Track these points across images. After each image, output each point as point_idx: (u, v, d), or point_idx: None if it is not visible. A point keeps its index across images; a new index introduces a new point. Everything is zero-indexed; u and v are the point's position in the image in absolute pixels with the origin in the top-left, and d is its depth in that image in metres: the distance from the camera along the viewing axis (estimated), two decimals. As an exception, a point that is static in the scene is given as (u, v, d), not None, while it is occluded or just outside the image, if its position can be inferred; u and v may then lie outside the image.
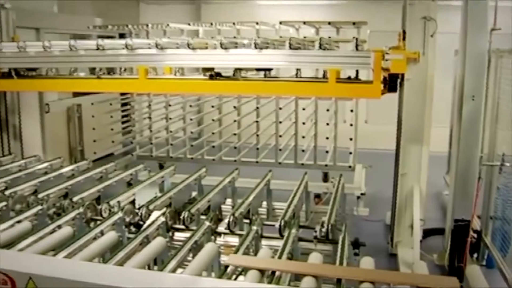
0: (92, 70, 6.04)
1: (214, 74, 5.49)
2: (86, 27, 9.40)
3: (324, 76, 5.24)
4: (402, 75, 5.77)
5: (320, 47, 5.00)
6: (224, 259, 3.98)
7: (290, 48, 5.03)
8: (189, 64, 5.81)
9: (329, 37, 6.10)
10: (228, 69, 5.49)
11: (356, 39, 5.02)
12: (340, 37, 6.81)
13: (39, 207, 4.68)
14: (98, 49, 5.64)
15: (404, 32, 6.03)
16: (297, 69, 5.47)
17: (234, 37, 6.33)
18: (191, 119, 9.14)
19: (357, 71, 5.19)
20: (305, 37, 6.36)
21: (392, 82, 5.38)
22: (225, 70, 5.52)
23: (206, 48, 5.42)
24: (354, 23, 6.78)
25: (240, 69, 5.43)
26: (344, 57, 5.00)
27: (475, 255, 6.00)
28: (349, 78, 5.26)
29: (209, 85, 5.60)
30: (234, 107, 8.48)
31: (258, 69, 5.50)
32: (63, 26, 9.92)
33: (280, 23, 7.45)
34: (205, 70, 5.57)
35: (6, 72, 6.28)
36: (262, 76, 5.49)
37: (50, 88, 7.23)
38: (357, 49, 4.95)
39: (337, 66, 5.03)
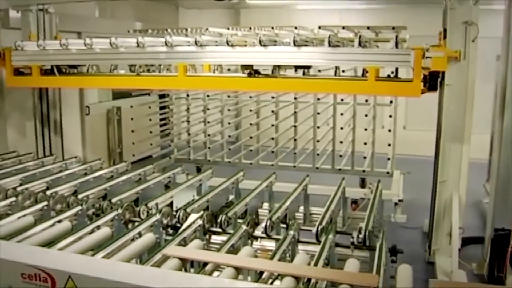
0: (132, 69, 6.13)
1: (252, 72, 5.50)
2: (126, 31, 9.52)
3: (363, 75, 5.19)
4: (443, 74, 5.67)
5: (359, 45, 4.95)
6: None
7: (330, 45, 4.98)
8: (228, 62, 5.84)
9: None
10: (267, 67, 5.48)
11: (396, 36, 4.93)
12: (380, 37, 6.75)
13: (79, 208, 4.75)
14: (138, 46, 5.72)
15: (445, 30, 5.91)
16: (336, 67, 5.41)
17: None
18: (229, 123, 9.18)
19: (396, 70, 5.10)
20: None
21: (432, 81, 5.24)
22: (264, 68, 5.52)
23: (245, 45, 5.43)
24: (393, 28, 6.70)
25: (279, 67, 5.43)
26: (384, 55, 4.94)
27: (516, 266, 5.88)
28: (388, 76, 5.20)
29: (248, 82, 5.61)
30: (272, 111, 8.49)
31: (297, 67, 5.48)
32: (104, 30, 10.05)
33: (319, 27, 7.41)
34: (244, 67, 5.59)
35: (49, 69, 6.43)
36: (301, 75, 5.47)
37: (91, 84, 7.35)
38: (397, 47, 4.88)
39: (376, 64, 4.96)
